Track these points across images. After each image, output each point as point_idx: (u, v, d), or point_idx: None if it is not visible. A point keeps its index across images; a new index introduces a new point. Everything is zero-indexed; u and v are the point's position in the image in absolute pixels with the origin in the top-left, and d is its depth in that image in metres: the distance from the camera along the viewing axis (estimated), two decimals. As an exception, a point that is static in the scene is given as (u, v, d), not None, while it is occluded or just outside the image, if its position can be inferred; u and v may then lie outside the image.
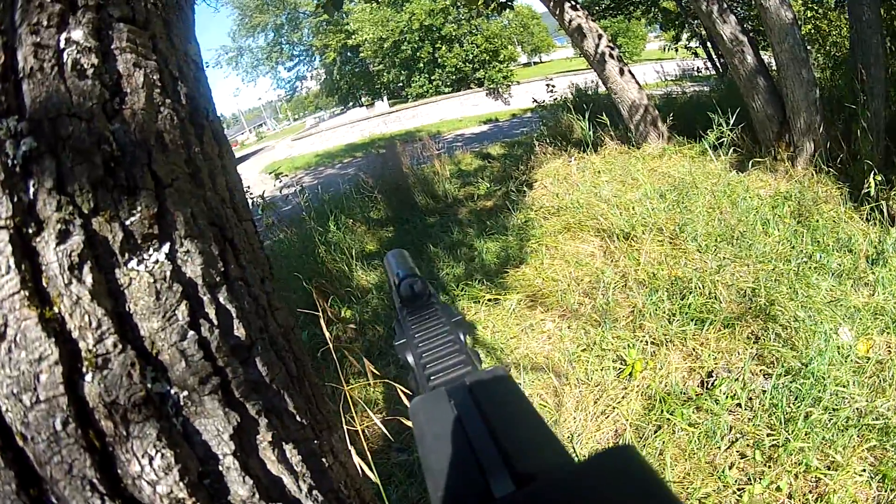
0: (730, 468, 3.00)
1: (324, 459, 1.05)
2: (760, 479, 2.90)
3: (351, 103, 51.94)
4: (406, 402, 1.46)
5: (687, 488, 2.93)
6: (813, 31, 8.88)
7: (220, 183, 1.04)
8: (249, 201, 7.29)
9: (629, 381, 3.76)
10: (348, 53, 46.90)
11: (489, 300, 5.18)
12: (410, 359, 0.78)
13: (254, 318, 0.97)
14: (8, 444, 0.67)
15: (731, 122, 7.02)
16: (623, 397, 3.64)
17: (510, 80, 41.13)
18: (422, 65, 43.15)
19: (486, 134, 21.62)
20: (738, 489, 2.89)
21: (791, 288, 4.25)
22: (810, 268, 4.57)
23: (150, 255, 0.79)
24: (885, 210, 5.10)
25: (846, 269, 4.54)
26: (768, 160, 7.09)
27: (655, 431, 3.30)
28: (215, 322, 0.86)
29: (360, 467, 1.24)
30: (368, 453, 1.41)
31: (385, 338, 4.95)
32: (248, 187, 7.72)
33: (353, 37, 43.28)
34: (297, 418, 1.01)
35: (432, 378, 0.70)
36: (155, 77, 0.89)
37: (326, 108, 59.62)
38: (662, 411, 3.39)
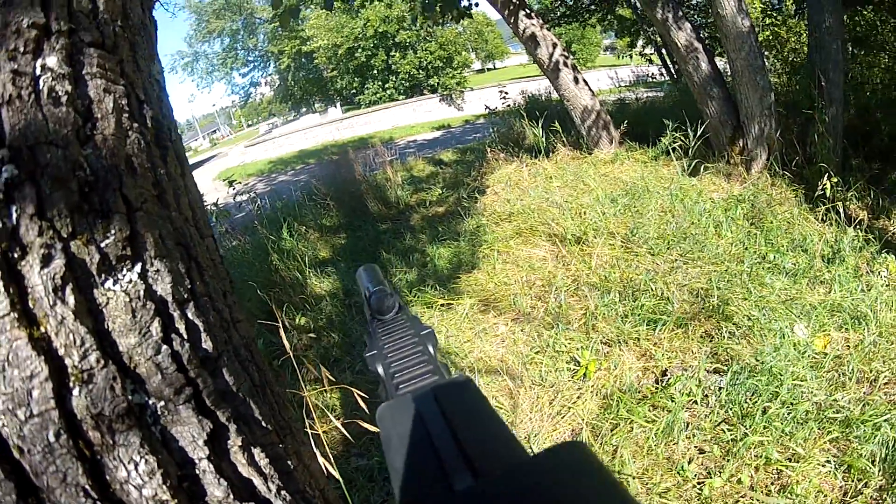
0: (689, 463, 3.04)
1: (289, 462, 1.08)
2: (720, 472, 2.95)
3: (304, 110, 51.87)
4: (363, 406, 1.50)
5: (647, 483, 2.97)
6: (771, 37, 8.96)
7: (183, 202, 1.06)
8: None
9: (584, 382, 3.79)
10: (303, 60, 46.67)
11: (442, 305, 5.18)
12: (380, 369, 0.81)
13: (219, 330, 1.00)
14: (6, 457, 0.70)
15: (685, 127, 7.10)
16: (578, 397, 3.68)
17: (463, 86, 41.12)
18: (376, 71, 43.08)
19: (438, 140, 21.45)
20: (699, 483, 2.93)
21: (744, 288, 4.33)
22: (764, 268, 4.66)
23: (124, 276, 0.82)
24: (841, 211, 5.19)
25: (801, 268, 4.63)
26: (722, 165, 7.18)
27: (612, 429, 3.33)
28: (185, 336, 0.89)
29: (326, 468, 1.27)
30: (330, 457, 1.44)
31: (340, 345, 4.95)
32: (203, 194, 7.68)
33: (308, 43, 43.14)
34: (263, 424, 1.04)
35: (400, 387, 0.73)
36: (123, 102, 0.91)
37: (280, 114, 59.35)
38: (618, 410, 3.42)
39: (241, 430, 0.96)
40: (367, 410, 1.63)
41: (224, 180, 9.49)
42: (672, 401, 3.40)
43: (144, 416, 0.82)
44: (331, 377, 1.53)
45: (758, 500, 2.79)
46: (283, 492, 1.01)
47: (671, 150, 7.40)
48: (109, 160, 0.85)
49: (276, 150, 34.06)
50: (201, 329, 0.93)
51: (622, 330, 4.13)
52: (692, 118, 7.12)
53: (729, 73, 7.28)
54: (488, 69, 64.60)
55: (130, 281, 0.82)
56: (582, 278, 4.95)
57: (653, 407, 3.43)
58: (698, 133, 6.87)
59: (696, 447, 3.15)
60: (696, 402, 3.43)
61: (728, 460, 3.00)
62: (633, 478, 2.98)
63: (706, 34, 11.73)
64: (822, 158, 6.02)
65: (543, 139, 8.79)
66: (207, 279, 1.04)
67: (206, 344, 0.94)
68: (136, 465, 0.78)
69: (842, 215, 5.18)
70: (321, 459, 1.31)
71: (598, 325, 4.27)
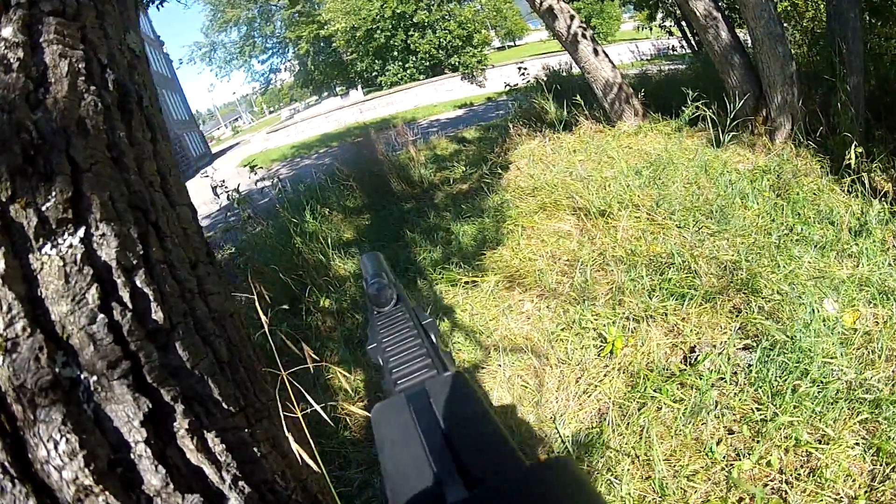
0: (717, 444, 2.96)
1: (256, 449, 1.06)
2: (749, 454, 2.85)
3: (325, 94, 52.58)
4: (347, 387, 1.44)
5: (674, 465, 2.89)
6: (790, 7, 8.87)
7: (148, 167, 1.06)
8: (224, 196, 7.23)
9: (610, 359, 3.72)
10: (321, 44, 47.11)
11: (466, 283, 5.15)
12: (381, 362, 0.82)
13: (177, 301, 0.99)
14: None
15: (707, 98, 6.99)
16: (605, 375, 3.60)
17: (484, 64, 41.41)
18: (395, 52, 43.48)
19: (461, 118, 21.69)
20: (727, 465, 2.84)
21: (772, 261, 4.22)
22: (792, 240, 4.55)
23: (64, 240, 0.79)
24: (866, 182, 5.07)
25: (829, 241, 4.50)
26: (745, 135, 7.09)
27: (639, 409, 3.25)
28: (129, 305, 0.87)
29: (300, 455, 1.20)
30: (311, 443, 1.35)
31: (363, 326, 4.90)
32: (223, 181, 7.88)
33: (326, 27, 43.54)
34: (225, 406, 1.01)
35: (399, 382, 0.73)
36: (81, 66, 0.93)
37: (301, 99, 60.11)
38: (646, 388, 3.35)
39: (191, 411, 0.95)
40: (350, 391, 1.56)
41: (245, 166, 9.48)
42: (701, 379, 3.31)
43: (76, 392, 0.79)
44: (313, 355, 1.44)
45: (787, 484, 2.69)
46: (240, 482, 0.99)
47: (696, 121, 7.30)
48: (59, 122, 0.86)
49: (298, 134, 34.76)
50: (151, 298, 0.92)
51: (649, 305, 4.04)
52: (715, 89, 7.01)
53: (749, 44, 7.20)
54: (508, 46, 64.74)
55: (70, 245, 0.80)
56: (608, 252, 4.87)
57: (681, 385, 3.35)
58: (728, 107, 6.73)
59: (724, 427, 3.06)
60: (724, 380, 3.33)
61: (757, 441, 2.91)
62: (661, 460, 2.89)
63: (724, 4, 11.61)
64: (845, 128, 5.90)
65: (565, 113, 8.81)
66: (169, 247, 1.04)
67: (157, 315, 0.92)
68: (56, 443, 0.76)
69: (867, 187, 5.07)
70: (295, 446, 1.23)
71: (624, 300, 4.18)
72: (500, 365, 3.93)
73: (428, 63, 43.57)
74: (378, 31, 42.27)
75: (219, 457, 0.96)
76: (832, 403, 3.02)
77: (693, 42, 17.03)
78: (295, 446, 1.21)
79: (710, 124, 6.81)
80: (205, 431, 0.95)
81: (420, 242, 6.47)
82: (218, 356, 1.05)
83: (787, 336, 3.43)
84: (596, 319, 4.10)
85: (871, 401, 3.00)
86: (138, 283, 0.89)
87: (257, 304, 1.40)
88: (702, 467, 2.86)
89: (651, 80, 11.50)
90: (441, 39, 42.56)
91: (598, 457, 2.99)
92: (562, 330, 4.14)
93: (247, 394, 1.13)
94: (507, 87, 13.39)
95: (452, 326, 4.52)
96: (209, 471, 0.93)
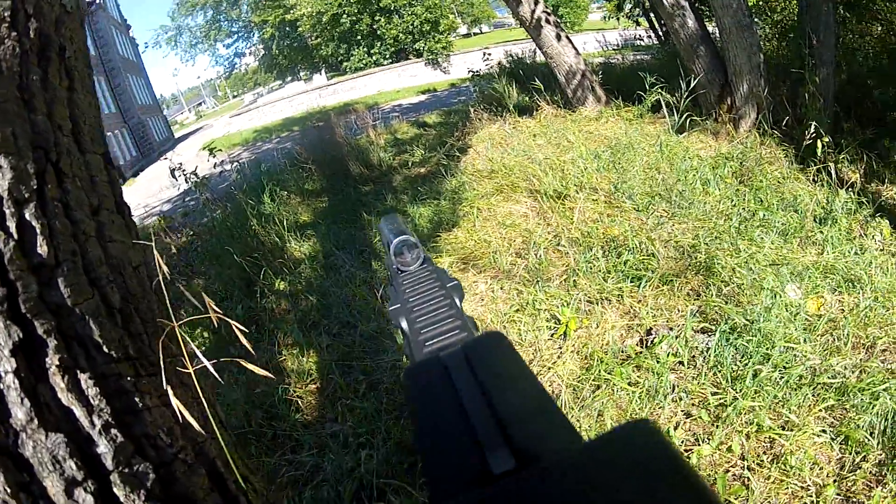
0: (675, 428, 2.93)
1: (139, 400, 1.03)
2: (709, 439, 2.81)
3: (289, 78, 53.20)
4: (245, 343, 1.32)
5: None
6: (761, 2, 8.93)
7: (59, 112, 1.08)
8: (182, 179, 7.27)
9: (564, 341, 3.67)
10: (287, 28, 47.32)
11: None
12: (405, 324, 0.75)
13: (66, 240, 0.98)
14: None
15: (672, 86, 6.98)
16: (558, 357, 3.56)
17: (449, 50, 41.77)
18: (360, 37, 43.62)
19: (423, 104, 22.09)
20: (686, 450, 2.80)
21: (733, 244, 4.19)
22: (753, 226, 4.53)
23: None
24: (833, 172, 5.06)
25: (792, 227, 4.49)
26: (709, 123, 7.13)
27: (594, 391, 3.20)
28: (15, 236, 0.88)
29: (181, 412, 1.10)
30: (203, 401, 1.25)
31: (318, 308, 4.97)
32: (181, 165, 8.01)
33: (292, 11, 43.57)
34: (106, 350, 0.99)
35: (427, 344, 0.67)
36: (6, 14, 0.97)
37: (265, 84, 60.35)
38: (600, 371, 3.29)
39: (65, 348, 0.92)
40: (250, 349, 1.44)
41: (204, 149, 9.53)
42: (658, 362, 3.26)
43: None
44: (216, 308, 1.32)
45: (749, 470, 2.63)
46: (112, 430, 0.95)
47: (658, 107, 7.28)
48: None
49: (261, 118, 35.63)
50: (39, 232, 0.92)
51: (604, 287, 4.02)
52: (679, 79, 6.99)
53: (717, 34, 7.21)
54: (474, 34, 65.20)
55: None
56: (563, 234, 4.83)
57: (637, 368, 3.31)
58: (686, 91, 6.71)
59: (682, 411, 3.02)
60: (682, 363, 3.29)
61: (717, 426, 2.86)
62: None
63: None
64: (811, 118, 5.85)
65: (527, 98, 8.89)
66: (69, 188, 1.05)
67: (42, 249, 0.93)
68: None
69: (833, 177, 5.07)
70: (175, 402, 1.14)
71: (579, 281, 4.16)
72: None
73: (393, 48, 43.77)
74: (344, 16, 42.43)
75: (91, 400, 0.93)
76: (795, 389, 2.97)
77: (660, 32, 17.14)
78: (175, 402, 1.13)
79: (672, 111, 6.77)
80: (78, 372, 0.92)
81: (375, 224, 6.37)
82: (107, 300, 1.04)
83: (747, 320, 3.38)
84: (550, 301, 4.06)
85: (836, 387, 2.95)
86: (27, 216, 0.90)
87: (156, 253, 1.30)
88: (659, 452, 2.75)
89: (616, 68, 11.66)
90: (407, 24, 42.66)
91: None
92: (515, 311, 4.10)
93: (141, 346, 1.12)
94: (471, 73, 13.44)
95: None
96: (79, 413, 0.91)
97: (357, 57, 44.85)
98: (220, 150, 10.57)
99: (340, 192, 8.70)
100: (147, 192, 19.57)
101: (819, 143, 5.19)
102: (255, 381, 4.03)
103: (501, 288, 4.44)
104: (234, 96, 74.50)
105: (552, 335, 3.76)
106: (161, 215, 12.40)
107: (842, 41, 7.05)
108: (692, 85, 6.90)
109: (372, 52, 44.67)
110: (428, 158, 9.35)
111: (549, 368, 3.47)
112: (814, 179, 5.32)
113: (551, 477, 0.33)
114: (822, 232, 4.38)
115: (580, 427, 2.97)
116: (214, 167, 9.44)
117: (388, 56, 44.44)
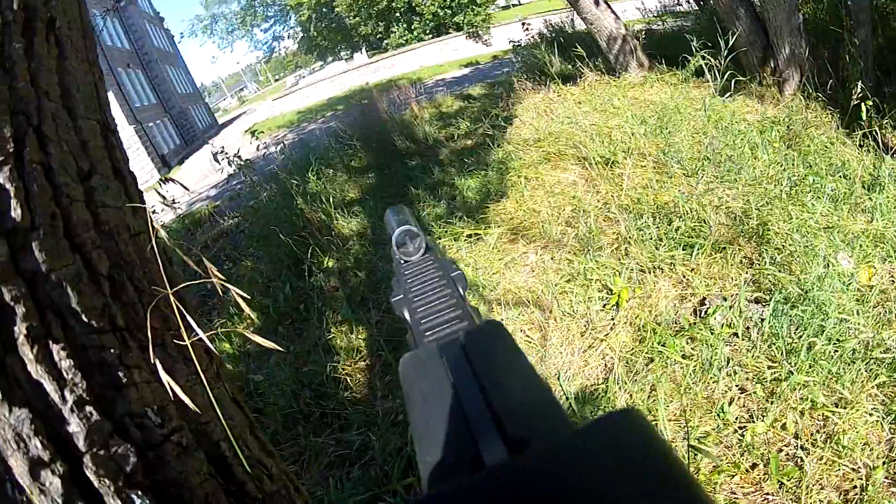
0: (729, 404, 2.85)
1: (123, 374, 1.00)
2: (763, 416, 2.74)
3: (330, 58, 53.20)
4: (248, 310, 1.32)
5: (684, 427, 2.77)
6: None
7: (45, 79, 1.10)
8: (225, 162, 7.32)
9: (616, 312, 3.64)
10: (323, 9, 47.12)
11: (469, 237, 5.14)
12: (406, 314, 0.75)
13: (45, 203, 0.97)
14: None
15: (714, 49, 6.90)
16: (611, 329, 3.53)
17: (489, 22, 41.35)
18: (398, 14, 43.28)
19: (467, 77, 21.94)
20: (740, 427, 2.74)
21: (784, 211, 4.10)
22: (803, 191, 4.42)
23: None
24: (878, 138, 4.96)
25: (842, 193, 4.36)
26: (754, 86, 7.02)
27: (647, 365, 3.17)
28: None
29: (170, 387, 1.08)
30: (213, 378, 1.24)
31: (367, 284, 4.97)
32: (223, 148, 8.03)
33: (327, -8, 43.47)
34: (86, 319, 0.97)
35: (427, 334, 0.67)
36: None
37: (306, 65, 60.55)
38: (653, 343, 3.24)
39: (37, 316, 0.91)
40: (255, 320, 1.45)
41: (247, 132, 9.59)
42: (712, 333, 3.20)
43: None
44: (217, 273, 1.32)
45: (803, 450, 2.57)
46: (87, 407, 0.93)
47: (701, 72, 7.14)
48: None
49: (304, 100, 35.79)
50: (13, 195, 0.91)
51: (656, 255, 3.97)
52: (721, 41, 6.90)
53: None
54: (513, 5, 64.53)
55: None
56: (613, 201, 4.79)
57: (691, 339, 3.25)
58: (727, 51, 6.64)
59: (737, 386, 2.95)
60: (736, 334, 3.22)
61: (772, 402, 2.79)
62: (670, 420, 2.80)
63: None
64: (854, 81, 5.73)
65: (569, 66, 8.86)
66: (52, 151, 1.04)
67: (16, 212, 0.91)
68: None
69: (878, 142, 4.96)
70: (165, 377, 1.10)
71: (630, 250, 4.11)
72: (503, 319, 3.81)
73: (433, 23, 43.54)
74: (380, -6, 42.12)
75: (64, 373, 0.91)
76: (849, 364, 2.89)
77: (700, -1, 16.89)
78: (165, 377, 1.09)
79: (716, 75, 6.68)
80: (51, 342, 0.90)
81: (424, 198, 6.46)
82: (91, 267, 1.03)
83: (801, 290, 3.30)
84: (601, 270, 4.02)
85: (888, 363, 2.86)
86: (1, 179, 0.88)
87: (149, 215, 1.29)
88: (713, 429, 2.75)
89: (656, 33, 11.45)
90: (446, -1, 42.16)
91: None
92: (566, 282, 4.07)
93: (133, 316, 1.10)
94: (512, 44, 13.35)
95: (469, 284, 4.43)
96: (49, 387, 0.89)
97: (398, 33, 44.63)
98: (263, 132, 10.62)
99: (387, 167, 8.65)
100: (193, 179, 19.71)
101: (863, 107, 5.06)
102: (302, 359, 4.05)
103: (552, 258, 4.40)
104: (276, 80, 75.19)
105: (604, 306, 3.72)
106: (209, 200, 12.47)
107: (875, 4, 6.93)
108: (731, 44, 6.84)
109: (413, 27, 44.39)
110: (473, 130, 9.27)
111: (602, 340, 3.44)
112: (860, 144, 5.19)
113: (538, 463, 0.34)
114: (871, 199, 4.26)
115: (633, 402, 2.95)
116: (258, 149, 9.55)
117: (428, 31, 44.08)
